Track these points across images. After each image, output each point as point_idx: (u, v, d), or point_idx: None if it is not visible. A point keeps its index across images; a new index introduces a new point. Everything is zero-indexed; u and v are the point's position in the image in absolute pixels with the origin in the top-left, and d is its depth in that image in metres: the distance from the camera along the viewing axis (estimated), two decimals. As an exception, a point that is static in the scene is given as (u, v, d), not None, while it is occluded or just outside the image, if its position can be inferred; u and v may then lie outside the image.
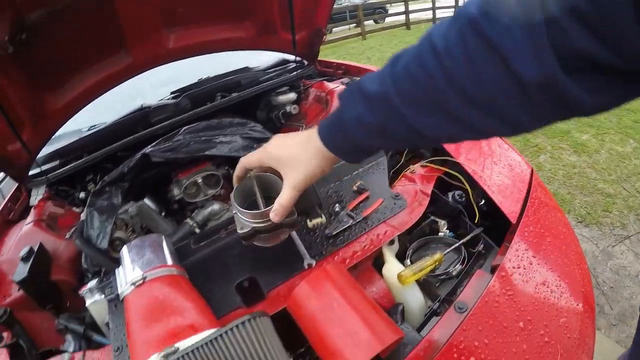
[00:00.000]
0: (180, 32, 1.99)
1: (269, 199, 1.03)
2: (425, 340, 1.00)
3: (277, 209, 0.94)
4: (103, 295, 1.18)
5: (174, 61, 2.10)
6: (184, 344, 0.81)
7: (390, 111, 0.72)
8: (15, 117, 1.65)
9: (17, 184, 1.99)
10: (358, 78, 2.11)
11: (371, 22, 18.02)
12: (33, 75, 1.64)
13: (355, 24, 16.13)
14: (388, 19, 19.22)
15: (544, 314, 1.06)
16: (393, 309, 1.12)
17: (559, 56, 0.52)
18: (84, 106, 1.95)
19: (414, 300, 1.16)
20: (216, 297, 1.12)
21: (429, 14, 17.10)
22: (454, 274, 1.21)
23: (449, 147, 1.51)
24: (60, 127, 1.93)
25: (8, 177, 3.56)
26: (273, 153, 0.95)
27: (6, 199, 1.93)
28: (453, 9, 17.11)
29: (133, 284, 0.98)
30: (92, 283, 1.22)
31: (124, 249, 1.12)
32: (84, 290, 1.21)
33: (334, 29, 16.80)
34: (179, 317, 0.89)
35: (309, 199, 1.13)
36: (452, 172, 1.45)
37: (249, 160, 1.01)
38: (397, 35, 14.97)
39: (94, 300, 1.19)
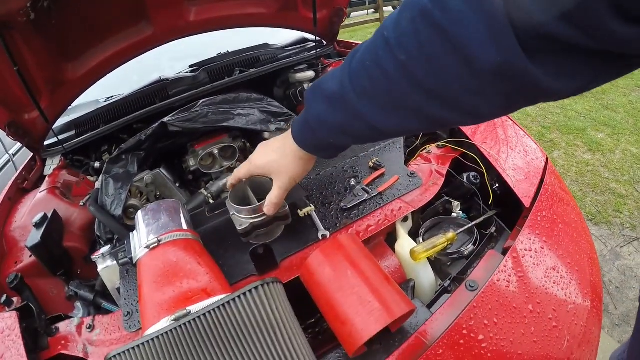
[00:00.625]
0: (202, 5, 1.99)
1: (262, 199, 1.10)
2: (435, 316, 1.00)
3: (269, 205, 1.04)
4: (115, 261, 1.20)
5: (194, 34, 2.11)
6: (196, 308, 0.82)
7: (350, 110, 0.73)
8: (34, 84, 1.66)
9: (31, 155, 2.02)
10: None
11: (390, 8, 17.82)
12: (53, 43, 1.65)
13: (373, 10, 15.96)
14: (408, 6, 18.99)
15: (553, 299, 1.07)
16: (404, 285, 1.13)
17: (520, 38, 0.49)
18: (103, 76, 1.96)
19: (425, 277, 1.17)
20: (229, 264, 1.14)
21: (449, 3, 16.87)
22: (465, 253, 1.21)
23: (466, 131, 1.51)
24: (79, 96, 1.94)
25: (22, 150, 3.62)
26: (258, 163, 1.05)
27: (21, 168, 1.96)
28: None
29: (147, 246, 0.99)
30: (105, 249, 1.23)
31: (140, 212, 1.13)
32: (96, 256, 1.22)
33: (352, 14, 16.61)
34: (192, 281, 0.90)
35: (297, 193, 1.26)
36: (468, 152, 1.45)
37: (240, 172, 1.11)
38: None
39: (106, 266, 1.21)
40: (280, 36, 2.77)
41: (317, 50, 2.41)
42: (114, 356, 0.74)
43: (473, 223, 1.26)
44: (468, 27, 0.52)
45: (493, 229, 1.28)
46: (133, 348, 0.74)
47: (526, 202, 1.29)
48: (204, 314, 0.76)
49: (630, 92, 5.56)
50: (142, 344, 0.74)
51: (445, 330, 0.95)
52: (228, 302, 0.77)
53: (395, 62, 0.62)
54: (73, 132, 2.09)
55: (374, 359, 0.95)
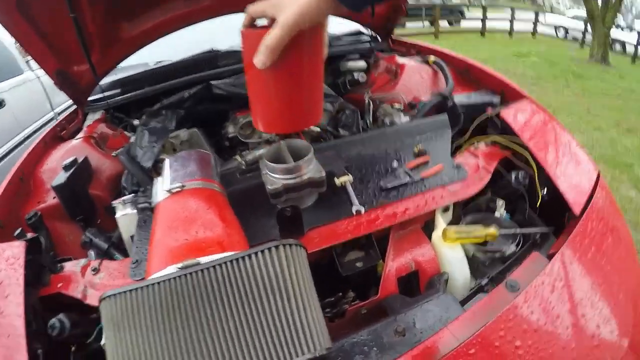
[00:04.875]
0: (263, -18, 1.96)
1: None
2: (468, 313, 0.92)
3: (261, 49, 0.80)
4: (135, 210, 1.16)
5: None
6: (206, 259, 0.75)
7: None
8: (88, 37, 1.67)
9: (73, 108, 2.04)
10: (432, 57, 2.02)
11: (445, 23, 17.75)
12: (114, 1, 1.66)
13: (430, 23, 15.88)
14: (463, 24, 18.93)
15: (598, 315, 0.98)
16: (437, 277, 1.06)
17: None
18: (157, 39, 1.98)
19: (460, 271, 1.09)
20: (253, 226, 1.08)
21: (505, 25, 16.83)
22: (507, 253, 1.13)
23: (519, 132, 1.42)
24: (130, 55, 1.96)
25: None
26: (274, 0, 0.81)
27: (62, 117, 1.98)
28: (532, 23, 16.69)
29: (169, 190, 0.94)
30: (128, 197, 1.20)
31: (169, 158, 1.09)
32: (117, 202, 1.19)
33: (407, 24, 16.54)
34: (209, 232, 0.84)
35: (334, 163, 1.22)
36: (520, 150, 1.36)
37: (254, 9, 0.86)
38: (470, 40, 14.73)
39: (125, 213, 1.17)
40: (336, 27, 2.72)
41: (372, 44, 2.36)
42: (109, 296, 0.69)
43: (521, 230, 1.18)
44: None
45: (537, 236, 1.19)
46: (130, 291, 0.68)
47: (576, 210, 1.20)
48: (214, 266, 0.69)
49: (682, 133, 5.51)
50: (141, 287, 0.68)
51: (479, 329, 0.87)
52: (242, 258, 0.70)
53: None
54: (118, 90, 2.09)
55: (394, 350, 0.87)
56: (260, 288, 0.69)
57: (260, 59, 0.81)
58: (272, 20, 0.81)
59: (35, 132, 4.30)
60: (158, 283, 0.68)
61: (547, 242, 1.18)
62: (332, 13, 0.80)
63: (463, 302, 1.00)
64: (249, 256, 0.70)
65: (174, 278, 0.68)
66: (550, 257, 1.07)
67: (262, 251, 0.71)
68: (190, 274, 0.68)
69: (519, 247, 1.17)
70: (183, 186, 0.95)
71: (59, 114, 4.76)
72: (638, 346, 1.03)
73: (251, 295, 0.69)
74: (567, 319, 0.94)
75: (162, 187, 0.99)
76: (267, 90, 0.92)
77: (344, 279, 1.04)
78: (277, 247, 0.72)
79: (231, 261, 0.70)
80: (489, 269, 1.14)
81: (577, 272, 1.04)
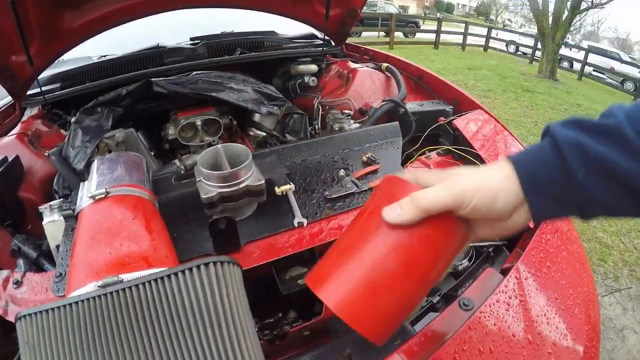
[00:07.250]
0: (217, -22, 1.89)
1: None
2: (420, 335, 0.85)
3: (404, 201, 0.56)
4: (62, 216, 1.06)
5: (202, 7, 2.04)
6: (129, 276, 0.67)
7: (625, 148, 0.49)
8: (28, 26, 1.55)
9: (11, 101, 1.92)
10: (384, 64, 1.98)
11: (401, 34, 17.94)
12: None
13: (385, 34, 16.03)
14: (418, 35, 19.12)
15: (554, 331, 0.94)
16: None
17: None
18: (101, 31, 1.86)
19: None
20: (185, 238, 0.99)
21: (459, 38, 17.20)
22: (459, 268, 1.08)
23: (472, 141, 1.40)
24: (71, 48, 1.84)
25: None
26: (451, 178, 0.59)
27: None
28: (484, 38, 17.14)
29: (92, 197, 0.85)
30: (56, 202, 1.10)
31: (96, 161, 1.00)
32: (43, 207, 1.09)
33: (363, 34, 16.66)
34: (134, 245, 0.76)
35: (275, 170, 1.13)
36: (474, 160, 1.33)
37: (422, 177, 0.62)
38: (424, 52, 14.88)
39: (52, 220, 1.07)
40: (288, 29, 2.66)
41: (324, 48, 2.32)
42: (24, 316, 0.62)
43: (474, 244, 1.14)
44: None
45: (490, 248, 1.15)
46: (47, 310, 0.61)
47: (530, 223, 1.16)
48: (137, 285, 0.61)
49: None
50: (58, 307, 0.61)
51: (433, 352, 0.80)
52: (168, 276, 0.62)
53: None
54: (58, 85, 1.97)
55: None
56: (187, 311, 0.61)
57: (396, 212, 0.56)
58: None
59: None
60: (76, 303, 0.61)
61: (500, 256, 1.14)
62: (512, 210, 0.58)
63: (414, 322, 0.94)
64: (175, 274, 0.62)
65: (93, 298, 0.61)
66: (504, 272, 1.03)
67: (190, 269, 0.62)
68: (111, 293, 0.61)
69: (472, 261, 1.12)
70: (108, 192, 0.85)
71: (2, 107, 4.52)
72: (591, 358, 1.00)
73: (177, 319, 0.61)
74: (524, 337, 0.89)
75: (86, 192, 0.90)
76: (370, 256, 0.58)
77: (285, 297, 0.96)
78: (206, 265, 0.63)
79: (155, 280, 0.62)
80: (441, 285, 1.08)
81: (533, 287, 0.99)
